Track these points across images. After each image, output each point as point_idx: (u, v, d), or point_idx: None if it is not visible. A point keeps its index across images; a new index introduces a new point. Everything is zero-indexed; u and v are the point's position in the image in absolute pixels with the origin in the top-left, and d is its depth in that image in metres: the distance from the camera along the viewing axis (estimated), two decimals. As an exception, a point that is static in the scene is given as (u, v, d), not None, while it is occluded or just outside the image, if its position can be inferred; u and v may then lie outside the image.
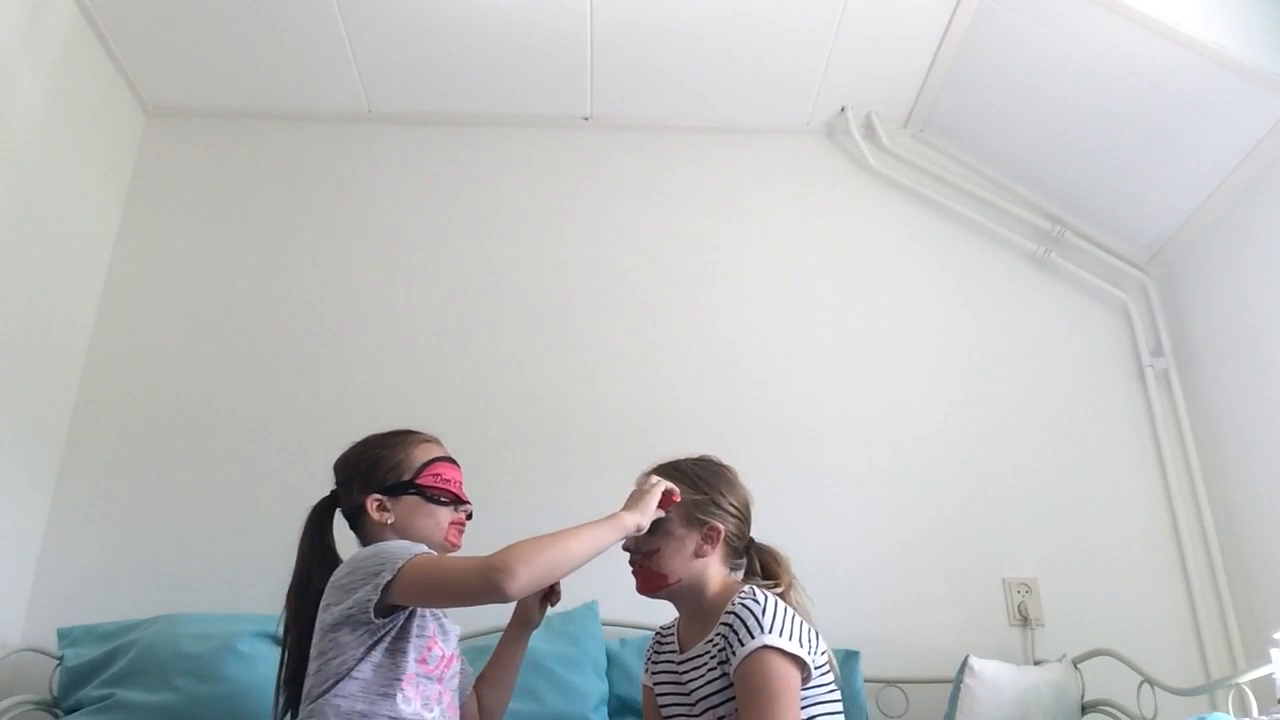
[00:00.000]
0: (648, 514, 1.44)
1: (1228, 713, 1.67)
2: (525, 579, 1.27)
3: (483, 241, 2.62)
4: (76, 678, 1.93)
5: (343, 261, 2.58)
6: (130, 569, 2.21)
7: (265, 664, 1.88)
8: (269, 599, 2.04)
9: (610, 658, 2.07)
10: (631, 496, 1.47)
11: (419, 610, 1.40)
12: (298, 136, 2.73)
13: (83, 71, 2.38)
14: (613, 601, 2.09)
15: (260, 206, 2.63)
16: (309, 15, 2.42)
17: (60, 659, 1.97)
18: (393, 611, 1.35)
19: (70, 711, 1.91)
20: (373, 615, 1.32)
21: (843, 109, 2.75)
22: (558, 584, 1.59)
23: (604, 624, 2.11)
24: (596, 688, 1.99)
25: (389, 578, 1.31)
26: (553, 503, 2.29)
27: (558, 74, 2.61)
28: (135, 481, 2.30)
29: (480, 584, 1.27)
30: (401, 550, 1.36)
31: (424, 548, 1.39)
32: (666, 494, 1.48)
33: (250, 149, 2.71)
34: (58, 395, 2.31)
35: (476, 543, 1.48)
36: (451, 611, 1.52)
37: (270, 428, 2.38)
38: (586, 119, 2.78)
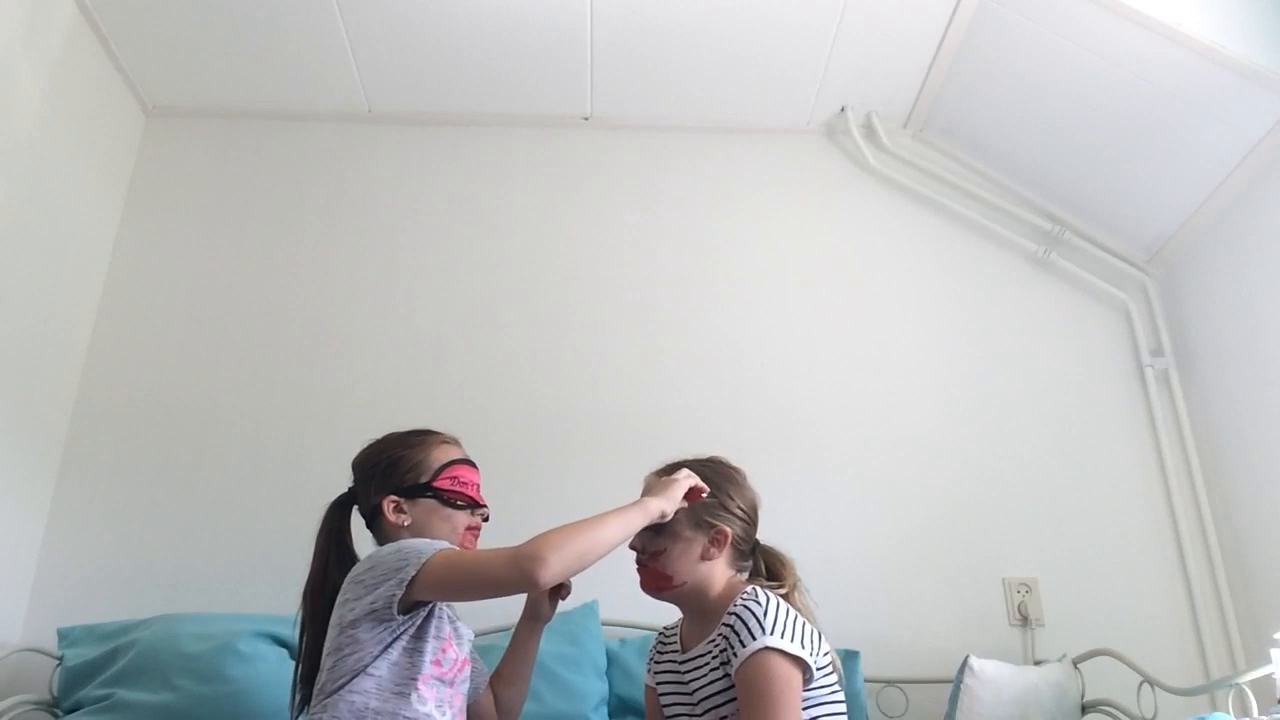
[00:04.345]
0: (673, 502, 1.45)
1: (1228, 713, 1.67)
2: (558, 567, 1.27)
3: (483, 241, 2.62)
4: (76, 678, 1.93)
5: (343, 261, 2.58)
6: (130, 569, 2.21)
7: (265, 664, 1.88)
8: (269, 599, 2.06)
9: (610, 658, 2.07)
10: (659, 484, 1.48)
11: (437, 611, 1.39)
12: (298, 136, 2.73)
13: (83, 71, 2.38)
14: (613, 601, 2.10)
15: (260, 206, 2.63)
16: (309, 15, 2.42)
17: (60, 659, 1.96)
18: (413, 609, 1.35)
19: (70, 711, 1.91)
20: (395, 611, 1.32)
21: (843, 109, 2.75)
22: (568, 578, 1.60)
23: (604, 624, 2.11)
24: (596, 688, 1.99)
25: (413, 573, 1.31)
26: (553, 502, 2.29)
27: (558, 74, 2.61)
28: (135, 482, 2.30)
29: (513, 574, 1.27)
30: (425, 546, 1.36)
31: (446, 544, 1.39)
32: (694, 488, 1.48)
33: (250, 149, 2.70)
34: (58, 395, 2.31)
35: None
36: (458, 607, 1.51)
37: (270, 428, 2.37)
38: (586, 119, 2.78)
